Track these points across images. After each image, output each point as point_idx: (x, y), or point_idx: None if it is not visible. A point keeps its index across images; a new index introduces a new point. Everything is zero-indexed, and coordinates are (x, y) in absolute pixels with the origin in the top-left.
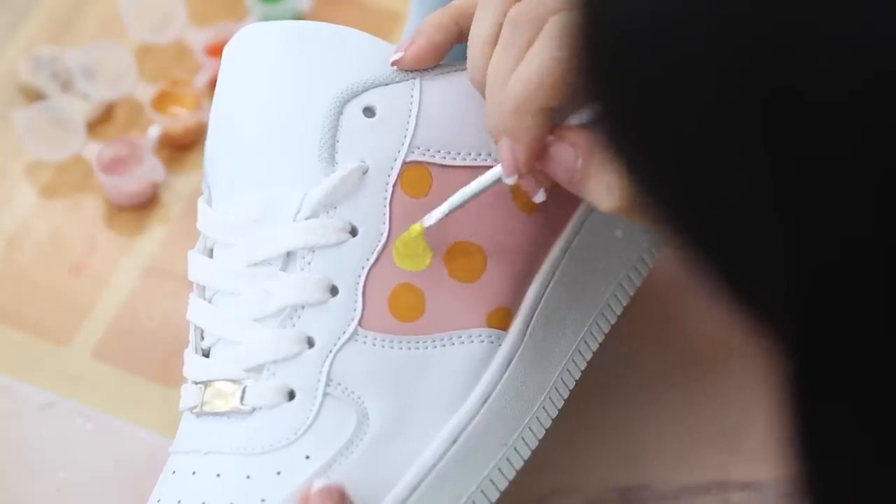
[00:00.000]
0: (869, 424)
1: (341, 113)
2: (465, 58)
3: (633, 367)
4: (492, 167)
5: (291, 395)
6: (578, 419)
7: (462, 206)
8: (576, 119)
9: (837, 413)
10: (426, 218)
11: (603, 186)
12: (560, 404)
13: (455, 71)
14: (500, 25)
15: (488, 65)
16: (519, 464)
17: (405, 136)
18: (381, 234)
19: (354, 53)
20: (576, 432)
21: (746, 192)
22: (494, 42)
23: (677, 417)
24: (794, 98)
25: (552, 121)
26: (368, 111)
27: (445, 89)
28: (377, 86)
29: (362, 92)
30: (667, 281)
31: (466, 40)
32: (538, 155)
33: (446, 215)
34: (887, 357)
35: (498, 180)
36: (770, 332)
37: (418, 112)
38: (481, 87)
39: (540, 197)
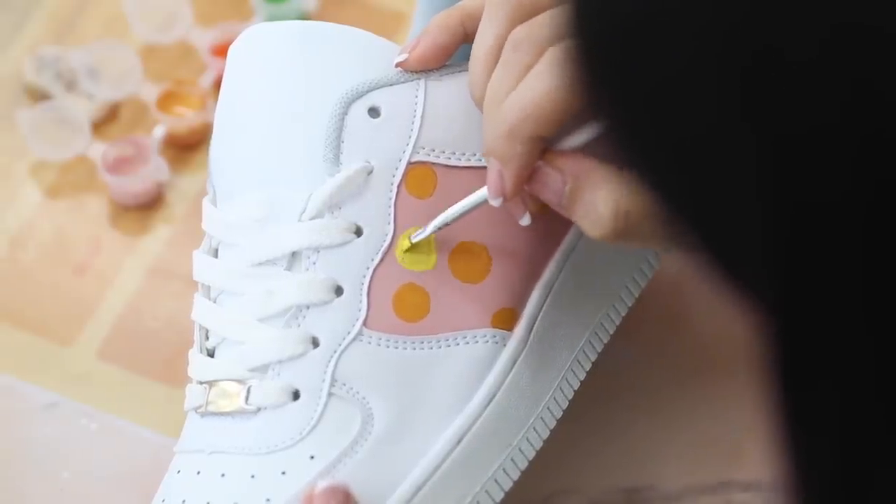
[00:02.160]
0: (850, 401)
1: (346, 113)
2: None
3: (638, 368)
4: None
5: (296, 395)
6: (582, 420)
7: (448, 224)
8: (566, 144)
9: (819, 390)
10: (413, 236)
11: (591, 213)
12: (565, 405)
13: (460, 71)
14: (504, 39)
15: (488, 81)
16: (524, 464)
17: (410, 137)
18: (386, 234)
19: (359, 53)
20: (580, 433)
21: (729, 157)
22: (496, 56)
23: (682, 418)
24: (774, 57)
25: (542, 147)
26: (373, 111)
27: (450, 89)
28: (382, 86)
29: (367, 92)
30: (672, 282)
31: (471, 42)
32: (524, 181)
33: (434, 232)
34: (865, 327)
35: (485, 201)
36: (753, 304)
37: (423, 112)
38: (480, 103)
39: (525, 221)
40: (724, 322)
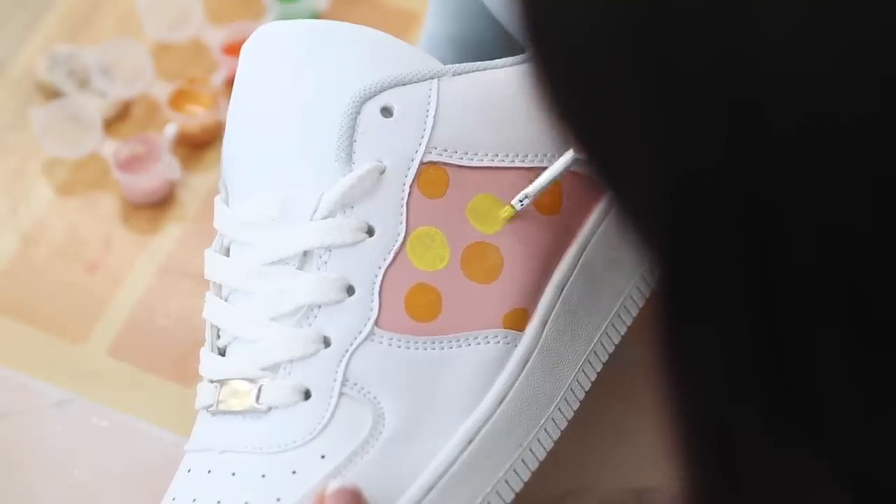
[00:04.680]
0: (730, 349)
1: (359, 112)
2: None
3: (648, 368)
4: (510, 167)
5: (307, 395)
6: (593, 420)
7: (544, 189)
8: None
9: (701, 334)
10: (515, 202)
11: None
12: (576, 406)
13: (473, 72)
14: None
15: None
16: (534, 465)
17: (422, 137)
18: (398, 234)
19: (372, 53)
20: (590, 433)
21: (627, 103)
22: None
23: None
24: (662, 7)
25: None
26: (386, 111)
27: (463, 90)
28: (395, 85)
29: (380, 92)
30: None
31: None
32: None
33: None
34: (736, 274)
35: (571, 163)
36: (649, 247)
37: (436, 112)
38: None
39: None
40: None
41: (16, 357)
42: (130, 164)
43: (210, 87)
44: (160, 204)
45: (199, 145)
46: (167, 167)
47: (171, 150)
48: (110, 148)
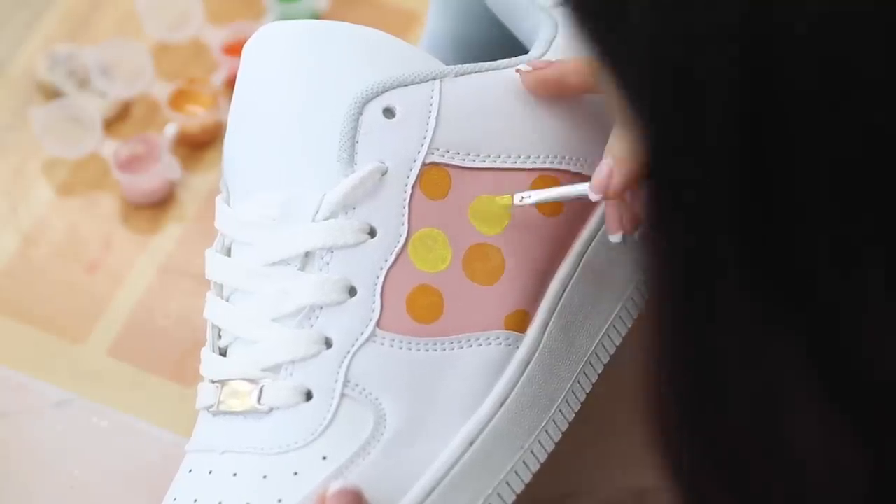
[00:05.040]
0: (715, 188)
1: (361, 113)
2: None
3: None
4: (512, 168)
5: (309, 396)
6: (593, 422)
7: (544, 201)
8: None
9: (689, 168)
10: (516, 197)
11: None
12: (577, 407)
13: (476, 73)
14: None
15: None
16: (535, 466)
17: (425, 138)
18: (400, 235)
19: (374, 53)
20: (591, 435)
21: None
22: None
23: None
24: None
25: None
26: (388, 112)
27: (466, 91)
28: (397, 86)
29: (382, 92)
30: None
31: (577, 93)
32: (629, 186)
33: (537, 202)
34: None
35: (585, 196)
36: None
37: (438, 113)
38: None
39: (616, 238)
40: None
41: (16, 357)
42: (130, 164)
43: (210, 87)
44: (160, 204)
45: (199, 145)
46: (167, 167)
47: (171, 150)
48: (110, 148)
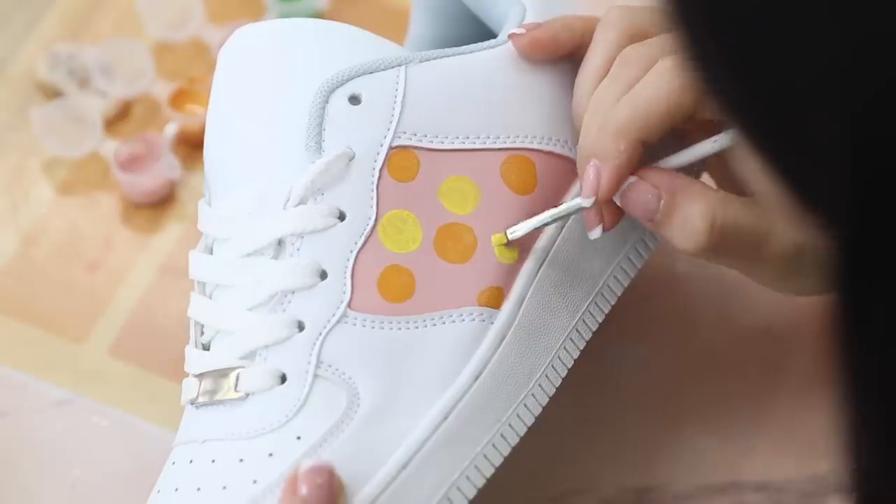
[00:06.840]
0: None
1: (327, 102)
2: (450, 46)
3: (649, 368)
4: (482, 149)
5: (283, 379)
6: (594, 420)
7: (538, 228)
8: (664, 164)
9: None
10: (510, 232)
11: (684, 229)
12: (558, 383)
13: (440, 58)
14: (612, 60)
15: (593, 93)
16: (514, 440)
17: (391, 122)
18: (369, 218)
19: (339, 44)
20: (591, 432)
21: (813, 75)
22: (603, 74)
23: (693, 418)
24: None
25: (640, 161)
26: (354, 99)
27: (431, 75)
28: (362, 74)
29: (347, 80)
30: (683, 282)
31: (581, 53)
32: (619, 184)
33: (528, 231)
34: None
35: (578, 209)
36: (823, 216)
37: (404, 98)
38: (580, 113)
39: (595, 234)
40: (735, 323)
41: (16, 357)
42: (131, 163)
43: (210, 87)
44: (160, 203)
45: (199, 145)
46: (167, 166)
47: (172, 150)
48: (110, 148)
